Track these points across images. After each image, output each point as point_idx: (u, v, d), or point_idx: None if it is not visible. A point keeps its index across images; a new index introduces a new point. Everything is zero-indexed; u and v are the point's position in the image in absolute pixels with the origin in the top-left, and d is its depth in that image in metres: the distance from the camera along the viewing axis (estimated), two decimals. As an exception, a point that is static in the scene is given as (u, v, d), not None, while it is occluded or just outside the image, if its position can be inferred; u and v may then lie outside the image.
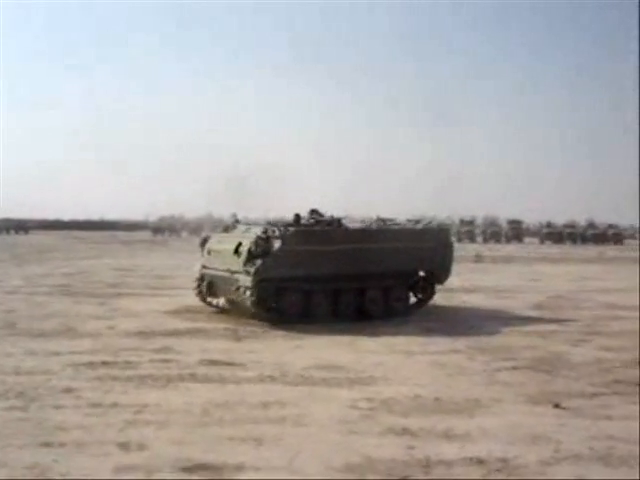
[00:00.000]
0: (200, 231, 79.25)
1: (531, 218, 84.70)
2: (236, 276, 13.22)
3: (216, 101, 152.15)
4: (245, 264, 13.15)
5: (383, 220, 15.75)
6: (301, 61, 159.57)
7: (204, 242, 15.36)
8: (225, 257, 13.87)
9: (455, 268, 16.33)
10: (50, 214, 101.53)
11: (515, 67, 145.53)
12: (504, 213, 78.77)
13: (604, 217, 77.33)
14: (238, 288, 13.10)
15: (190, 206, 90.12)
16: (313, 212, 14.95)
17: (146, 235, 75.70)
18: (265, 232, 13.54)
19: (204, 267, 14.69)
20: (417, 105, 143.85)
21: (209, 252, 14.83)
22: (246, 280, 12.97)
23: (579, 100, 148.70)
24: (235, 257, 13.45)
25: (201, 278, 14.76)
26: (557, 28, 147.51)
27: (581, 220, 76.70)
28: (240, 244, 13.50)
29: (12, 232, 77.03)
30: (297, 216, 14.42)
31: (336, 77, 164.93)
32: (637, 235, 79.43)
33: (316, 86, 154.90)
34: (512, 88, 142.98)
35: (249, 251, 13.19)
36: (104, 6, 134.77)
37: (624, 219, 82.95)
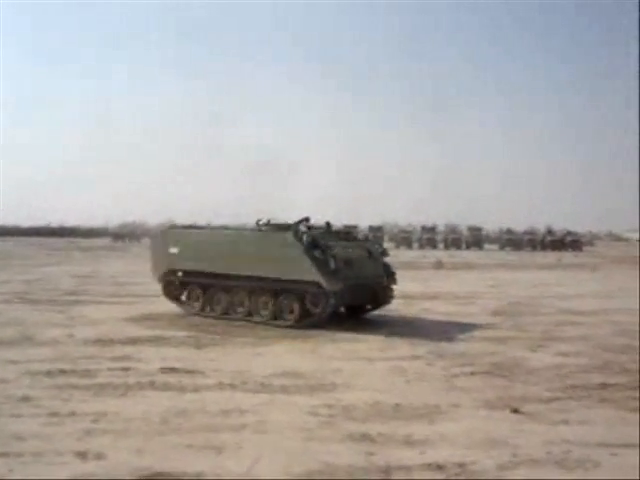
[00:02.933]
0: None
1: (491, 224, 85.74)
2: None
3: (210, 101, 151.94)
4: None
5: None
6: (301, 61, 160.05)
7: None
8: None
9: (416, 275, 16.47)
10: (8, 221, 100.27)
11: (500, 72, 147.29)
12: (464, 220, 79.46)
13: (563, 225, 78.58)
14: None
15: (151, 212, 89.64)
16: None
17: (106, 242, 75.05)
18: None
19: None
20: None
21: None
22: None
23: (549, 105, 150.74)
24: None
25: None
26: (557, 28, 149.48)
27: (540, 227, 77.73)
28: None
29: (-31, 239, 75.95)
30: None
31: (336, 77, 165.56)
32: (595, 242, 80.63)
33: (316, 86, 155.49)
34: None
35: None
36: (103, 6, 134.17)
37: (582, 226, 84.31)
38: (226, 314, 14.69)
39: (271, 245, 14.17)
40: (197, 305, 15.36)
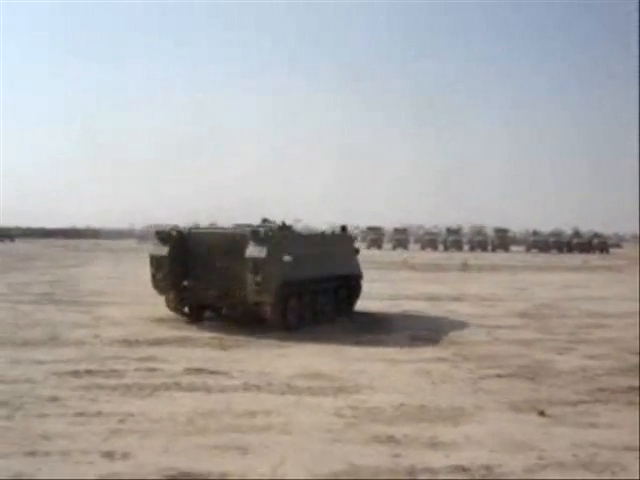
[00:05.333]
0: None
1: (518, 226, 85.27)
2: None
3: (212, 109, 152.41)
4: None
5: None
6: (299, 61, 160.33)
7: None
8: None
9: (442, 276, 16.39)
10: (35, 222, 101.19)
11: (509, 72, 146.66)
12: (491, 221, 79.04)
13: (589, 226, 77.96)
14: None
15: (178, 215, 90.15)
16: (264, 221, 15.13)
17: (132, 243, 75.45)
18: None
19: None
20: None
21: None
22: None
23: (572, 106, 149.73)
24: None
25: None
26: (558, 28, 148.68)
27: (567, 229, 77.16)
28: None
29: (-3, 240, 76.66)
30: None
31: (335, 77, 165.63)
32: (622, 244, 79.89)
33: (315, 86, 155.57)
34: (507, 98, 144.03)
35: None
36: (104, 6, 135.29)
37: (609, 228, 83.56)
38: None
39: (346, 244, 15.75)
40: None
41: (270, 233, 13.19)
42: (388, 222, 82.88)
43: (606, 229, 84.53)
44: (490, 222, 79.31)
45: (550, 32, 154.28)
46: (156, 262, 13.91)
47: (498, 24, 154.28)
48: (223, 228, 15.15)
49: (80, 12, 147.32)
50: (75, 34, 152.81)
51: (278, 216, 15.16)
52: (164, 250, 13.87)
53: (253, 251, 12.84)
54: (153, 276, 14.03)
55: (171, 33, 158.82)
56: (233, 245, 13.44)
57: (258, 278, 12.76)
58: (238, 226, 14.60)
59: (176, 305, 14.45)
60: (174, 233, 14.12)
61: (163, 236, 14.02)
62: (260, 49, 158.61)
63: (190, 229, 14.70)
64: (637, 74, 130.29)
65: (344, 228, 16.37)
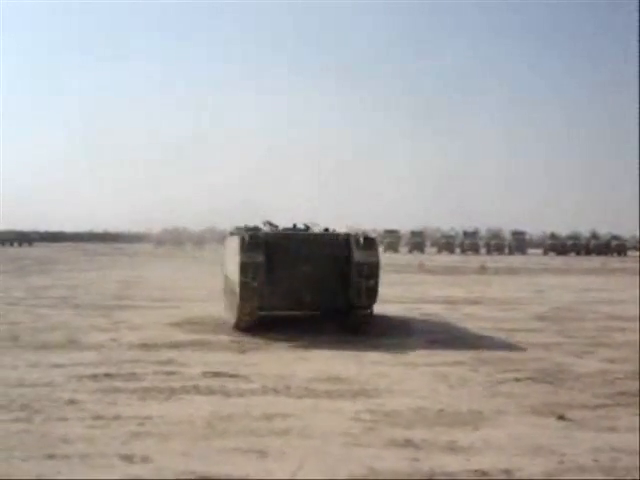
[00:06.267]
0: (203, 243, 79.66)
1: (534, 229, 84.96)
2: None
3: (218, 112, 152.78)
4: None
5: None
6: (298, 62, 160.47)
7: None
8: None
9: (459, 280, 16.34)
10: (53, 226, 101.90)
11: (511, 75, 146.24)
12: (507, 224, 78.75)
13: (607, 228, 77.52)
14: None
15: (193, 218, 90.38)
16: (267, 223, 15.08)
17: (149, 247, 75.78)
18: None
19: None
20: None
21: None
22: None
23: (582, 107, 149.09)
24: None
25: None
26: (558, 28, 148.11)
27: (584, 231, 76.76)
28: None
29: (15, 244, 77.16)
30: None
31: (334, 77, 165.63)
32: (638, 246, 79.29)
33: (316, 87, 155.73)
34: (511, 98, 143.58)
35: None
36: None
37: (626, 230, 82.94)
38: None
39: None
40: None
41: (371, 239, 13.65)
42: (402, 225, 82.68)
43: (624, 231, 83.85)
44: (506, 225, 78.95)
45: (549, 32, 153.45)
46: (252, 269, 12.91)
47: (498, 24, 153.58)
48: (306, 231, 14.85)
49: (80, 12, 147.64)
50: (74, 35, 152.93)
51: (279, 217, 15.22)
52: (260, 257, 13.00)
53: (363, 256, 13.10)
54: (245, 284, 12.90)
55: (170, 33, 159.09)
56: (329, 249, 13.58)
57: (371, 282, 13.07)
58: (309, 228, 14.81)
59: (253, 312, 13.51)
60: (264, 237, 13.55)
61: (258, 241, 13.23)
62: (259, 50, 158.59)
63: (276, 232, 14.48)
64: (637, 74, 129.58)
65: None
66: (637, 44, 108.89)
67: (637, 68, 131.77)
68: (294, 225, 14.97)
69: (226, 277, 15.43)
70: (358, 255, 13.10)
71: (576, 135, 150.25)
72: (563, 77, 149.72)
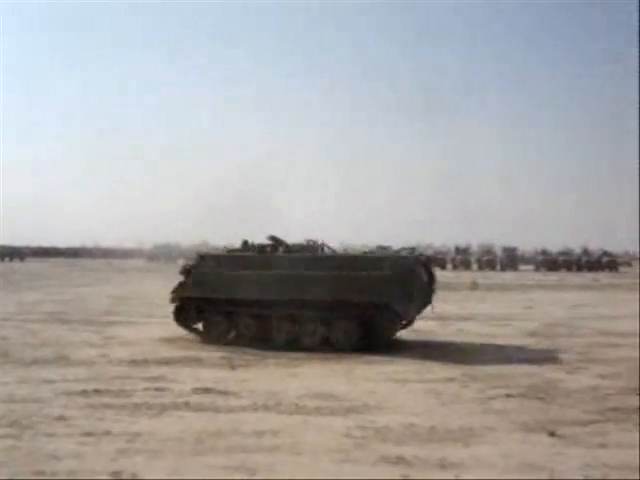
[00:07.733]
0: (195, 259, 79.32)
1: (526, 245, 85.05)
2: None
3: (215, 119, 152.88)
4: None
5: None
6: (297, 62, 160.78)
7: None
8: None
9: (451, 296, 16.37)
10: (45, 241, 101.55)
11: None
12: (499, 240, 78.72)
13: (598, 243, 77.60)
14: None
15: (184, 234, 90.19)
16: (272, 238, 15.06)
17: (140, 263, 75.57)
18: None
19: None
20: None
21: None
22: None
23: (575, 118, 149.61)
24: None
25: None
26: (557, 28, 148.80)
27: (576, 247, 76.80)
28: None
29: (7, 259, 76.88)
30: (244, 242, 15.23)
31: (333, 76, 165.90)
32: (633, 262, 79.44)
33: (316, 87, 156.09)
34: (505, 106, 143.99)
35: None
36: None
37: (618, 246, 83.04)
38: None
39: None
40: None
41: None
42: (393, 242, 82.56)
43: (615, 247, 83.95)
44: (498, 240, 78.91)
45: (549, 32, 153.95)
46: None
47: (498, 24, 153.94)
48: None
49: (80, 13, 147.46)
50: (75, 34, 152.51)
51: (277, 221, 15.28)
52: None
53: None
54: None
55: (171, 33, 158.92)
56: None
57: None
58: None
59: None
60: None
61: None
62: (260, 49, 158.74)
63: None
64: (637, 74, 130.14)
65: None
66: (637, 44, 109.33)
67: (637, 68, 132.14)
68: (271, 237, 14.95)
69: None
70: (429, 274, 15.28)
71: (573, 140, 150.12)
72: (563, 78, 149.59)
